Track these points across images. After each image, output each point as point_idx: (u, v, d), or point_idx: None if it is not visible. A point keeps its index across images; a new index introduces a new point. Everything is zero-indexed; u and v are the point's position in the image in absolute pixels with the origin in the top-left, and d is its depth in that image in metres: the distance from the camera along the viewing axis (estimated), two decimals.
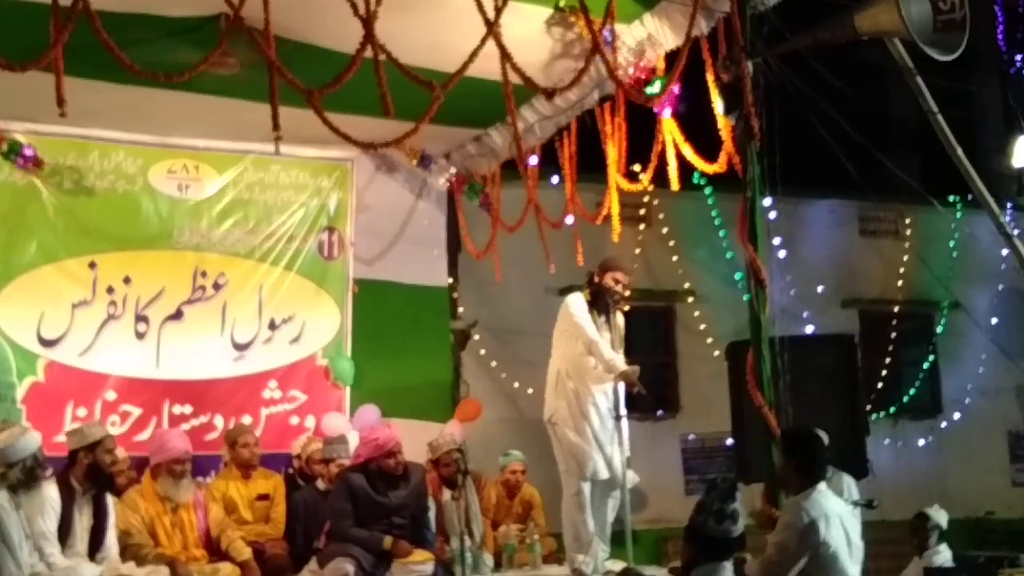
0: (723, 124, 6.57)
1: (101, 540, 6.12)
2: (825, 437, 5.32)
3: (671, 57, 6.74)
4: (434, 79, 5.40)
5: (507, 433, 9.15)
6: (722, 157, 6.70)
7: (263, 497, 7.38)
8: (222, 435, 8.06)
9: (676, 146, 7.13)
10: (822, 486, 4.97)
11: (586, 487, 6.83)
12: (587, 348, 6.85)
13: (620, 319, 7.15)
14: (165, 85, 5.70)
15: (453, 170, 9.05)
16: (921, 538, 7.23)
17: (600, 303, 7.02)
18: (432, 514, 7.27)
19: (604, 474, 6.83)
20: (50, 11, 4.60)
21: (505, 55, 5.38)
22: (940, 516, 7.30)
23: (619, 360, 6.87)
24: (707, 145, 6.88)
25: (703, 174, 7.26)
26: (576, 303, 6.98)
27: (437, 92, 5.28)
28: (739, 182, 6.38)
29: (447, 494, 7.31)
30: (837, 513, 4.93)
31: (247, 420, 8.27)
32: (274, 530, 7.34)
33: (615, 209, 7.61)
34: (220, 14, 5.82)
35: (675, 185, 7.11)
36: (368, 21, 4.99)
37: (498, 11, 5.31)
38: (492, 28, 5.28)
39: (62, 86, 4.58)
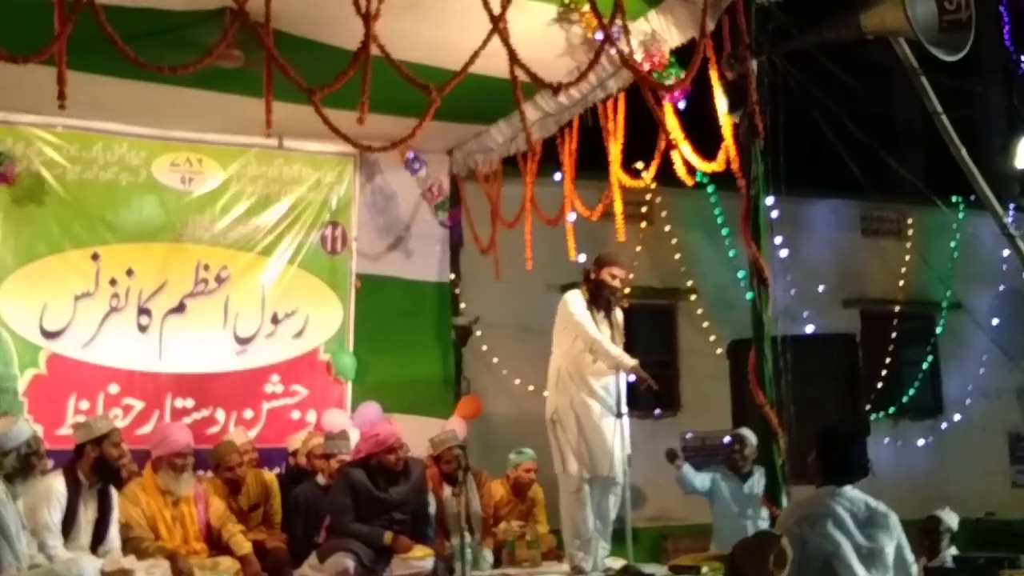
0: (725, 122, 6.55)
1: (104, 533, 6.10)
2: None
3: (677, 53, 6.73)
4: (438, 76, 5.40)
5: (508, 430, 9.14)
6: (721, 156, 6.68)
7: (254, 507, 7.34)
8: (223, 429, 8.08)
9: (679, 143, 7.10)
10: (842, 488, 4.78)
11: (586, 485, 6.81)
12: (589, 347, 6.81)
13: (619, 315, 7.11)
14: (169, 80, 5.72)
15: (429, 182, 9.14)
16: (933, 541, 7.19)
17: (599, 299, 6.94)
18: (432, 510, 7.27)
19: (605, 472, 6.81)
20: (54, 5, 4.60)
21: (512, 54, 5.36)
22: (952, 519, 7.26)
23: (626, 355, 6.80)
24: (707, 143, 6.86)
25: (705, 172, 7.22)
26: (575, 301, 6.91)
27: (434, 96, 5.28)
28: (742, 180, 6.37)
29: (448, 490, 7.30)
30: (834, 514, 4.68)
31: (248, 414, 8.32)
32: (272, 529, 7.34)
33: (618, 207, 7.57)
34: (224, 8, 5.83)
35: (688, 182, 7.08)
36: (368, 20, 4.98)
37: (503, 8, 5.30)
38: (497, 25, 5.27)
39: (64, 80, 4.58)
